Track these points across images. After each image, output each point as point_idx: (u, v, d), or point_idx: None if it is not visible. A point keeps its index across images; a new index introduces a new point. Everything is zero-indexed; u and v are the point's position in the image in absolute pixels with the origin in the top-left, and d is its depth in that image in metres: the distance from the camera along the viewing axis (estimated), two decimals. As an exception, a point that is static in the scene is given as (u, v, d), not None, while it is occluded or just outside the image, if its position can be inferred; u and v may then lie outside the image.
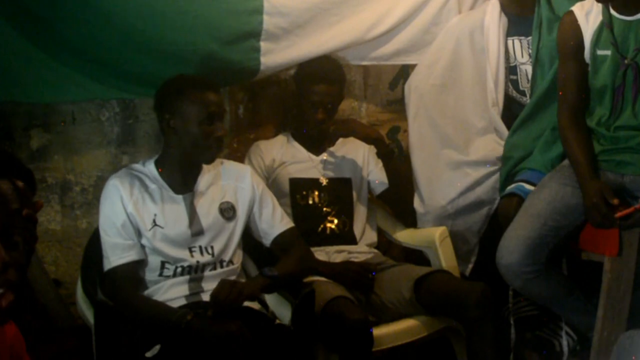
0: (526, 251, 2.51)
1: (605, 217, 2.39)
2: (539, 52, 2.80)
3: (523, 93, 2.96)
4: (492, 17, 2.93)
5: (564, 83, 2.59)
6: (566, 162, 2.63)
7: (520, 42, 2.92)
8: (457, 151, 2.98)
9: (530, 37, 2.85)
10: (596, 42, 2.48)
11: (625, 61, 2.41)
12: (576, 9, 2.55)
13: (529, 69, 2.90)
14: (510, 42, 2.93)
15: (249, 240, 2.53)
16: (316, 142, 2.93)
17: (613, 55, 2.44)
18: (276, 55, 2.76)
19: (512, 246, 2.54)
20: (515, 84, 2.97)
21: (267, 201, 2.50)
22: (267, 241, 2.51)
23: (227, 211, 2.43)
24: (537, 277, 2.54)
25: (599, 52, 2.47)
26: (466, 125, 2.99)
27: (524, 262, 2.52)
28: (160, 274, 2.33)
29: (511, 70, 2.95)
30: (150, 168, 2.40)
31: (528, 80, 2.93)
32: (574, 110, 2.57)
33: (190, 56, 2.57)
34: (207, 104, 2.30)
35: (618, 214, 2.38)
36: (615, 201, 2.38)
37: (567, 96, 2.58)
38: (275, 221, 2.49)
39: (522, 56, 2.93)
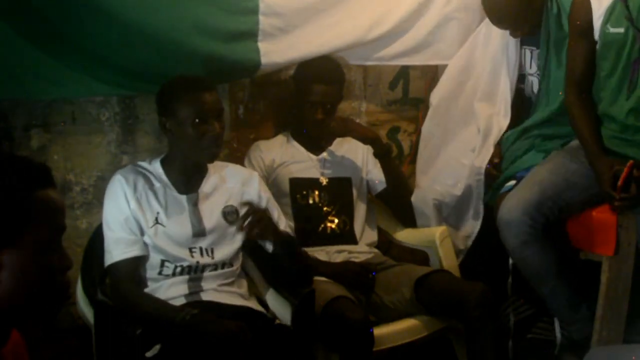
0: (525, 210, 2.54)
1: (610, 191, 2.41)
2: (546, 73, 2.79)
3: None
4: None
5: (572, 61, 2.60)
6: (575, 142, 2.64)
7: (531, 53, 2.92)
8: (462, 150, 3.00)
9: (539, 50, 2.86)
10: (608, 19, 2.47)
11: None
12: None
13: (535, 80, 2.92)
14: (522, 50, 2.94)
15: (250, 241, 2.52)
16: (316, 142, 2.94)
17: (627, 30, 2.43)
18: (276, 56, 2.76)
19: (513, 205, 2.58)
20: (521, 91, 2.98)
21: (271, 211, 2.49)
22: (269, 249, 2.48)
23: (230, 215, 2.43)
24: (534, 242, 2.55)
25: (612, 30, 2.47)
26: (474, 128, 3.01)
27: (524, 220, 2.53)
28: (160, 272, 2.33)
29: (520, 78, 2.96)
30: (155, 166, 2.41)
31: (532, 91, 2.94)
32: (581, 88, 2.59)
33: (190, 55, 2.58)
34: (198, 104, 2.29)
35: (619, 184, 2.38)
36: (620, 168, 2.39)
37: (575, 74, 2.59)
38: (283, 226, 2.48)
39: (531, 67, 2.93)
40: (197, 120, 2.29)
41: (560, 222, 2.62)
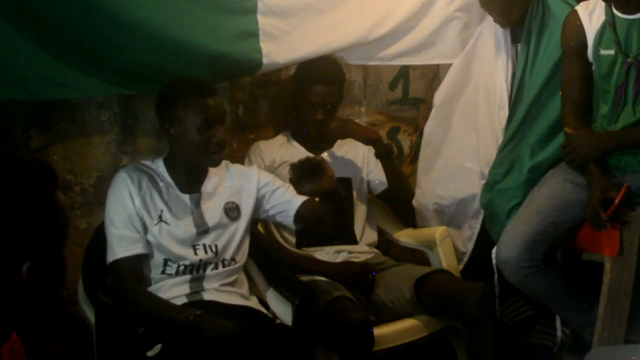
0: (524, 246, 2.53)
1: (597, 215, 2.41)
2: (525, 69, 2.78)
3: None
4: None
5: (567, 82, 2.60)
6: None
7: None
8: (464, 153, 2.99)
9: None
10: (599, 41, 2.49)
11: (628, 59, 2.42)
12: (580, 8, 2.57)
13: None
14: (513, 48, 2.93)
15: (251, 241, 2.52)
16: (316, 142, 2.93)
17: (616, 53, 2.45)
18: (278, 56, 2.76)
19: (511, 241, 2.57)
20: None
21: (278, 182, 2.52)
22: (290, 215, 2.48)
23: (232, 211, 2.44)
24: (535, 273, 2.56)
25: (602, 52, 2.48)
26: (474, 129, 3.00)
27: (522, 257, 2.54)
28: (163, 272, 2.33)
29: (513, 76, 2.94)
30: (158, 165, 2.41)
31: None
32: (578, 108, 2.58)
33: (191, 54, 2.57)
34: (204, 109, 2.29)
35: (607, 213, 2.40)
36: (614, 195, 2.40)
37: (571, 95, 2.59)
38: (292, 195, 2.48)
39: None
40: (203, 126, 2.29)
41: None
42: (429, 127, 3.13)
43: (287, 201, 2.48)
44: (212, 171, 2.46)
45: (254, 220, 2.53)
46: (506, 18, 2.84)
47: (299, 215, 2.48)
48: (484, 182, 2.87)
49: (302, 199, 2.48)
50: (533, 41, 2.76)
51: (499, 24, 2.89)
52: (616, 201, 2.41)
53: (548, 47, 2.71)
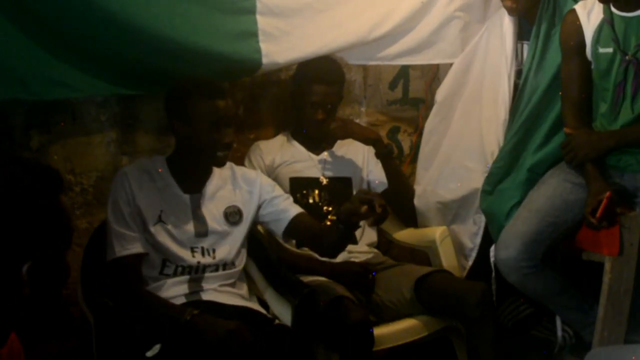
0: (523, 246, 2.53)
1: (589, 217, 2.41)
2: (530, 70, 2.77)
3: None
4: (508, 18, 2.91)
5: (567, 81, 2.60)
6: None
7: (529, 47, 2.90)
8: (465, 153, 2.98)
9: None
10: (597, 39, 2.49)
11: (627, 57, 2.42)
12: (578, 7, 2.57)
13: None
14: (519, 45, 2.92)
15: (251, 241, 2.52)
16: (316, 142, 2.93)
17: (614, 51, 2.44)
18: (278, 56, 2.76)
19: (510, 240, 2.56)
20: (517, 86, 2.96)
21: (279, 190, 2.52)
22: (283, 225, 2.46)
23: (233, 215, 2.43)
24: (534, 273, 2.56)
25: (601, 50, 2.48)
26: (477, 127, 2.99)
27: (521, 256, 2.54)
28: (161, 272, 2.33)
29: (517, 73, 2.93)
30: (161, 164, 2.41)
31: None
32: (578, 107, 2.58)
33: (191, 54, 2.58)
34: (214, 110, 2.31)
35: (596, 217, 2.39)
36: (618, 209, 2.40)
37: (571, 94, 2.59)
38: (289, 205, 2.49)
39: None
40: (212, 127, 2.30)
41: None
42: (430, 124, 3.13)
43: (282, 210, 2.47)
44: (216, 173, 2.46)
45: (253, 223, 2.53)
46: (516, 3, 2.81)
47: (291, 226, 2.46)
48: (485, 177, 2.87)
49: (297, 210, 2.47)
50: (541, 39, 2.75)
51: (508, 11, 2.85)
52: (597, 214, 2.40)
53: (557, 47, 2.69)
